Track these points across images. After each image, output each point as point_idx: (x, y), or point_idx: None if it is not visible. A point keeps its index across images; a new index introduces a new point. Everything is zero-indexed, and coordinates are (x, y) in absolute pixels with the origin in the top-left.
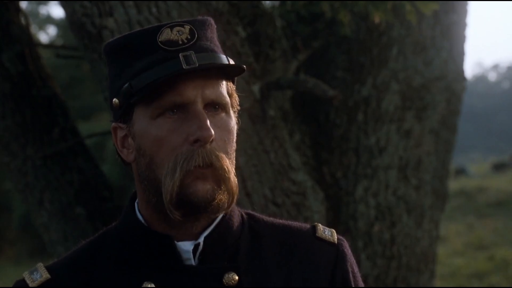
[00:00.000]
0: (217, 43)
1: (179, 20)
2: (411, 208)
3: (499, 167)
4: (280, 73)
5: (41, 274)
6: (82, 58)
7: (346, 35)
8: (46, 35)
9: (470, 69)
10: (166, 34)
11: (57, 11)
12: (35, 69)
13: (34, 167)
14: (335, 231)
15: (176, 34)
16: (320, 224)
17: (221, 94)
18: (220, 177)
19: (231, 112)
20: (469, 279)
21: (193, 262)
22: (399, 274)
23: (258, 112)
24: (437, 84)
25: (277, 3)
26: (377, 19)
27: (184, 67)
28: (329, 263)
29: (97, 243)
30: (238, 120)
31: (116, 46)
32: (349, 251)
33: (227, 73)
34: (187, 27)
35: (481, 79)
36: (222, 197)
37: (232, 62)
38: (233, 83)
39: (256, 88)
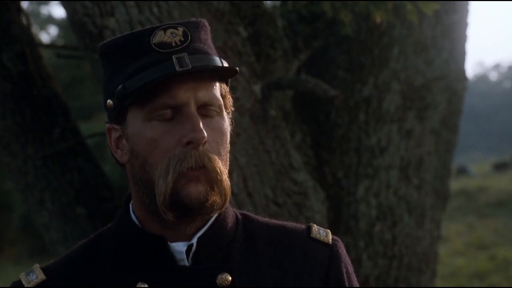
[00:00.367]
0: (211, 45)
1: (173, 22)
2: (412, 208)
3: (500, 167)
4: (281, 73)
5: (37, 275)
6: (83, 58)
7: (347, 35)
8: (47, 35)
9: (471, 69)
10: (160, 36)
11: (58, 11)
12: (36, 69)
13: (34, 167)
14: (330, 232)
15: (170, 36)
16: (315, 225)
17: (214, 96)
18: (212, 179)
19: (225, 113)
20: (470, 279)
21: (186, 263)
22: (400, 274)
23: (259, 112)
24: (438, 84)
25: (278, 3)
26: (378, 19)
27: (177, 69)
28: (323, 263)
29: (92, 244)
30: (231, 121)
31: (110, 48)
32: (344, 252)
33: (221, 75)
34: (181, 29)
35: (482, 79)
36: (215, 198)
37: (225, 63)
38: (227, 84)
39: (257, 88)
